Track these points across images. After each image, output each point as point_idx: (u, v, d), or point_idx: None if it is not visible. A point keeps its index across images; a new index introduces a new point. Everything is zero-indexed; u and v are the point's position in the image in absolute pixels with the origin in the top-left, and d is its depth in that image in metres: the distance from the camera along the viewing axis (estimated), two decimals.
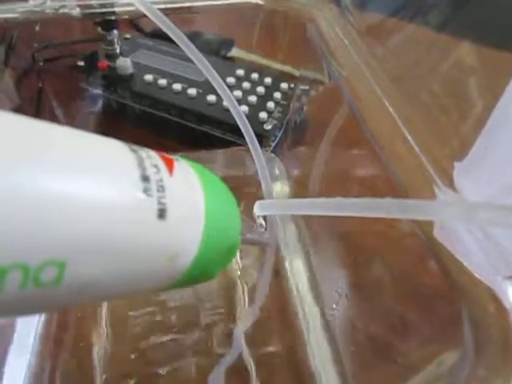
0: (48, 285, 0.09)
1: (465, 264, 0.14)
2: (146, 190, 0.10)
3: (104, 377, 0.24)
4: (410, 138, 0.18)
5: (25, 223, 0.08)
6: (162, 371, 0.25)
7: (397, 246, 0.20)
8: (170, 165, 0.12)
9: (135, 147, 0.11)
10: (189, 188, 0.12)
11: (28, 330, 0.26)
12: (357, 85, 0.22)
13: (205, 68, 0.19)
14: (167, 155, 0.12)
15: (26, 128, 0.09)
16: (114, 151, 0.11)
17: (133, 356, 0.25)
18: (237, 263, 0.30)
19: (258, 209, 0.17)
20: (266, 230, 0.17)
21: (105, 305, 0.27)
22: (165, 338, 0.26)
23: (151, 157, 0.11)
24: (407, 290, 0.19)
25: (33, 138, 0.09)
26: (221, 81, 0.20)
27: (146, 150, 0.12)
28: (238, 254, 0.31)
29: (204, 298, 0.28)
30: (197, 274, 0.13)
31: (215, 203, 0.13)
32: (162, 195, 0.11)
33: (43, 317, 0.26)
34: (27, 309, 0.10)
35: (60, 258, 0.09)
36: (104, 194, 0.09)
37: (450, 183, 0.15)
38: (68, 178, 0.09)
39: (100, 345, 0.26)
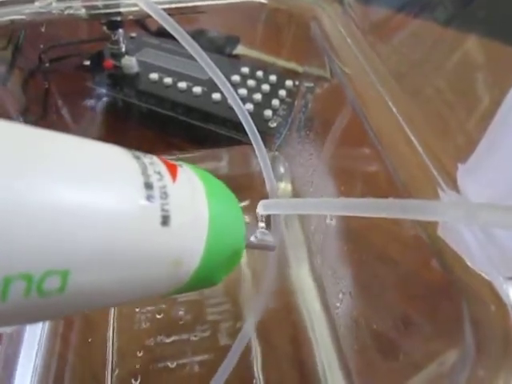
0: (52, 293, 0.09)
1: (468, 263, 0.14)
2: (149, 197, 0.10)
3: (112, 373, 0.25)
4: (412, 138, 0.18)
5: (27, 233, 0.08)
6: (169, 367, 0.25)
7: (400, 244, 0.20)
8: (173, 171, 0.12)
9: (138, 154, 0.11)
10: (192, 194, 0.12)
11: (35, 327, 0.26)
12: (359, 83, 0.22)
13: (208, 66, 0.19)
14: (171, 161, 0.13)
15: (28, 138, 0.09)
16: (117, 159, 0.11)
17: (140, 353, 0.25)
18: (242, 260, 0.31)
19: (261, 208, 0.17)
20: (269, 231, 0.17)
21: None
22: (171, 335, 0.26)
23: (154, 163, 0.11)
24: (410, 289, 0.19)
25: (34, 147, 0.09)
26: (224, 79, 0.20)
27: (149, 156, 0.12)
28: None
29: (209, 295, 0.28)
30: (201, 280, 0.13)
31: (219, 209, 0.13)
32: (165, 202, 0.11)
33: None
34: (31, 317, 0.10)
35: (63, 267, 0.09)
36: (107, 201, 0.09)
37: (454, 184, 0.15)
38: (70, 187, 0.09)
39: (107, 342, 0.26)
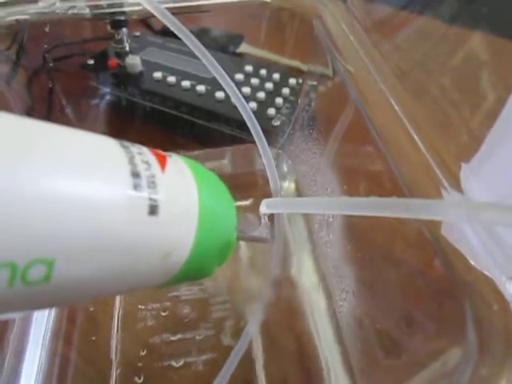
0: (37, 283, 0.09)
1: (470, 262, 0.14)
2: (136, 186, 0.10)
3: (116, 371, 0.25)
4: (415, 137, 0.17)
5: (11, 221, 0.08)
6: (173, 366, 0.25)
7: (404, 243, 0.20)
8: (162, 161, 0.12)
9: (126, 143, 0.11)
10: (182, 184, 0.12)
11: (40, 326, 0.26)
12: (362, 81, 0.22)
13: (211, 65, 0.20)
14: (160, 152, 0.12)
15: (13, 126, 0.09)
16: (104, 147, 0.10)
17: (143, 351, 0.26)
18: (245, 258, 0.31)
19: (264, 207, 0.17)
20: (271, 226, 0.17)
21: (116, 300, 0.28)
22: (175, 333, 0.26)
23: (143, 153, 0.11)
24: (413, 287, 0.19)
25: (20, 136, 0.09)
26: (227, 78, 0.20)
27: (137, 146, 0.12)
28: (245, 249, 0.31)
29: (214, 293, 0.28)
30: (192, 271, 0.13)
31: (209, 199, 0.13)
32: (153, 191, 0.10)
33: (53, 313, 0.27)
34: (17, 307, 0.10)
35: (48, 256, 0.08)
36: (92, 190, 0.09)
37: (457, 183, 0.15)
38: (55, 176, 0.09)
39: (111, 340, 0.26)
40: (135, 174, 0.10)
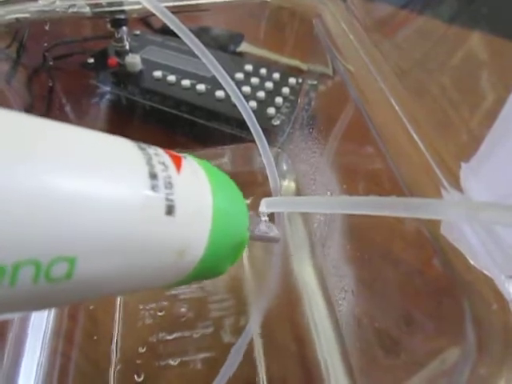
0: (59, 280, 0.09)
1: (470, 261, 0.14)
2: (153, 187, 0.10)
3: (115, 369, 0.25)
4: (415, 136, 0.18)
5: (36, 221, 0.08)
6: (172, 364, 0.25)
7: (403, 242, 0.20)
8: (177, 162, 0.12)
9: (143, 145, 0.12)
10: (196, 185, 0.12)
11: (40, 324, 0.26)
12: (362, 81, 0.22)
13: (211, 64, 0.20)
14: (175, 153, 0.13)
15: (38, 128, 0.09)
16: (123, 149, 0.11)
17: (143, 349, 0.26)
18: (245, 257, 0.31)
19: (264, 206, 0.17)
20: (273, 225, 0.17)
21: (116, 299, 0.28)
22: (174, 332, 0.26)
23: (159, 154, 0.12)
24: (412, 287, 0.19)
25: (43, 137, 0.09)
26: (227, 77, 0.20)
27: (153, 147, 0.12)
28: (245, 248, 0.31)
29: (212, 292, 0.28)
30: (205, 270, 0.13)
31: (223, 200, 0.13)
32: (169, 192, 0.11)
33: (54, 311, 0.27)
34: (40, 303, 0.10)
35: (70, 254, 0.09)
36: (112, 191, 0.10)
37: (456, 183, 0.15)
38: (77, 177, 0.09)
39: (111, 338, 0.26)
40: (153, 175, 0.11)
